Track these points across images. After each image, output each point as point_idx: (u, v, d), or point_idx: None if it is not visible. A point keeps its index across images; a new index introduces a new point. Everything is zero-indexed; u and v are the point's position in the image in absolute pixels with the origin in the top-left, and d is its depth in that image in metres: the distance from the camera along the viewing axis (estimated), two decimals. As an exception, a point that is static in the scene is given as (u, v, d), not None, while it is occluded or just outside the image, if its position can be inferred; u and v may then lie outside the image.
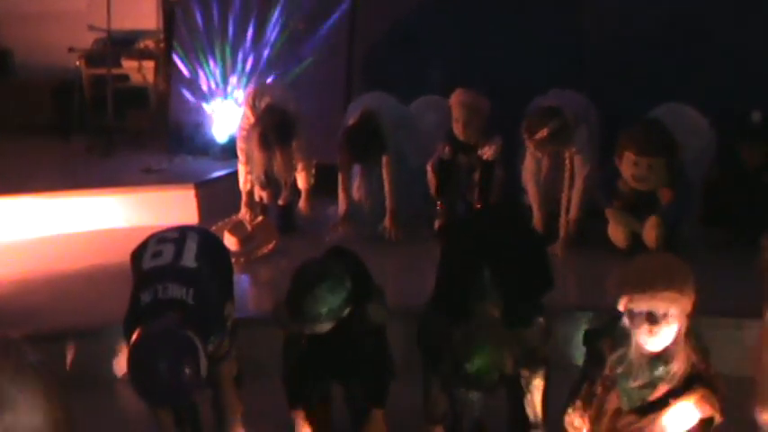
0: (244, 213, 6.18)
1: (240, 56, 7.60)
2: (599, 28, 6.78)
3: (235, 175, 6.36)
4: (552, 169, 5.93)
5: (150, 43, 8.69)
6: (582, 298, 5.34)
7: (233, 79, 7.64)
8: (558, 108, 5.71)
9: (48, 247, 6.22)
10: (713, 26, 6.44)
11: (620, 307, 3.31)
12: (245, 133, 6.15)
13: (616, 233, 5.63)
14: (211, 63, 7.71)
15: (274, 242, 5.94)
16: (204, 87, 7.76)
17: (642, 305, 3.25)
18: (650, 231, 5.49)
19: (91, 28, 8.31)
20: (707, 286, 5.21)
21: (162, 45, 8.52)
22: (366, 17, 7.40)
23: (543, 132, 5.63)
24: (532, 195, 6.00)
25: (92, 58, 8.58)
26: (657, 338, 3.28)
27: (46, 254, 6.10)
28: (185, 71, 7.85)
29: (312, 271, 3.73)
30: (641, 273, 3.35)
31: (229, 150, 7.17)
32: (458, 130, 6.07)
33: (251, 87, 6.74)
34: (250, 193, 6.23)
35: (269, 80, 7.32)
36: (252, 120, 6.08)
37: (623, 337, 3.37)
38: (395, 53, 7.18)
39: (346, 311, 3.68)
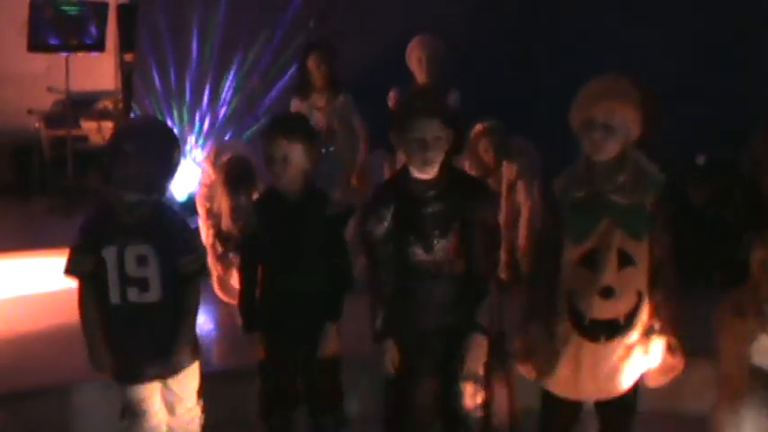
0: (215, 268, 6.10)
1: (198, 115, 7.70)
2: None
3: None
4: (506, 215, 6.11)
5: (109, 104, 8.76)
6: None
7: (191, 138, 7.72)
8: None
9: (8, 308, 6.21)
10: (658, 74, 6.63)
11: (573, 123, 3.55)
12: (205, 189, 6.19)
13: None
14: (169, 123, 7.78)
15: None
16: (163, 147, 7.81)
17: (583, 114, 3.48)
18: None
19: (50, 90, 8.37)
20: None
21: (120, 105, 8.58)
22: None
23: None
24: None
25: (51, 119, 8.63)
26: (597, 149, 3.48)
27: (6, 315, 6.09)
28: (144, 131, 7.90)
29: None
30: (587, 86, 3.57)
31: (188, 208, 7.22)
32: None
33: (211, 146, 6.75)
34: (214, 246, 6.24)
35: (228, 139, 7.39)
36: (213, 176, 6.13)
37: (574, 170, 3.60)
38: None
39: (310, 167, 3.99)
